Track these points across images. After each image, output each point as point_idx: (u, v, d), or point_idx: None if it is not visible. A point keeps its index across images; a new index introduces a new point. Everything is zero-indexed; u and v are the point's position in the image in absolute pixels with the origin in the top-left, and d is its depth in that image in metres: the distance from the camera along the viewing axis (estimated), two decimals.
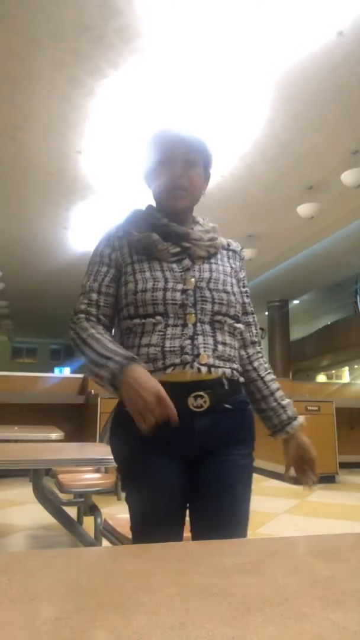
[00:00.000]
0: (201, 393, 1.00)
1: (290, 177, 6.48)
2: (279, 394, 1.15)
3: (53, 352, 23.02)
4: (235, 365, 1.08)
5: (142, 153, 1.15)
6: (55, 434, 2.46)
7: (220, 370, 1.03)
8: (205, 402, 1.00)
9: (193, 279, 1.06)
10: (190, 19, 3.93)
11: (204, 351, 1.02)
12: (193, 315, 1.03)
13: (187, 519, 1.04)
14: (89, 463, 2.16)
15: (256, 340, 1.19)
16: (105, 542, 1.64)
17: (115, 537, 1.48)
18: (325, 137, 5.60)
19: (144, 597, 0.37)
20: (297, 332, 16.34)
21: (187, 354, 1.00)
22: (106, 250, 1.12)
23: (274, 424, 1.13)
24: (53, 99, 4.91)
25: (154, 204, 1.17)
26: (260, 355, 1.19)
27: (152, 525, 0.99)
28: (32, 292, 12.28)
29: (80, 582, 0.44)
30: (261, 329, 1.28)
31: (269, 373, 1.17)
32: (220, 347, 1.04)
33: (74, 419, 5.17)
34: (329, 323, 16.77)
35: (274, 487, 4.87)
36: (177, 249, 1.08)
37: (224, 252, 1.17)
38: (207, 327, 1.04)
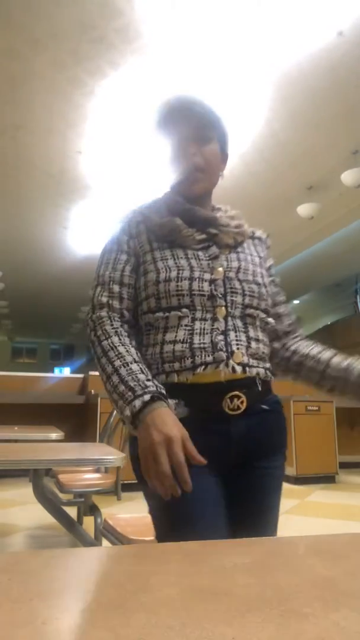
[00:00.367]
0: (237, 393, 0.89)
1: (289, 176, 6.49)
2: (336, 359, 0.99)
3: (53, 352, 23.05)
4: (267, 365, 0.98)
5: (151, 136, 1.04)
6: (55, 434, 2.46)
7: (254, 370, 0.92)
8: (242, 402, 0.89)
9: (221, 268, 0.95)
10: (191, 19, 3.94)
11: (238, 348, 0.91)
12: (223, 308, 0.92)
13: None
14: (89, 463, 2.16)
15: (289, 330, 1.08)
16: (105, 542, 1.64)
17: (115, 537, 1.48)
18: (325, 137, 5.61)
19: (144, 597, 0.37)
20: None
21: (220, 350, 0.89)
22: (124, 237, 0.99)
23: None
24: (53, 99, 4.91)
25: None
26: (297, 339, 1.08)
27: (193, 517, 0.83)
28: (32, 292, 12.29)
29: (80, 582, 0.44)
30: (298, 317, 1.14)
31: (313, 347, 1.03)
32: (253, 344, 0.94)
33: (74, 419, 5.16)
34: (329, 323, 16.74)
35: None
36: (203, 236, 0.97)
37: (249, 240, 1.07)
38: (239, 322, 0.94)
